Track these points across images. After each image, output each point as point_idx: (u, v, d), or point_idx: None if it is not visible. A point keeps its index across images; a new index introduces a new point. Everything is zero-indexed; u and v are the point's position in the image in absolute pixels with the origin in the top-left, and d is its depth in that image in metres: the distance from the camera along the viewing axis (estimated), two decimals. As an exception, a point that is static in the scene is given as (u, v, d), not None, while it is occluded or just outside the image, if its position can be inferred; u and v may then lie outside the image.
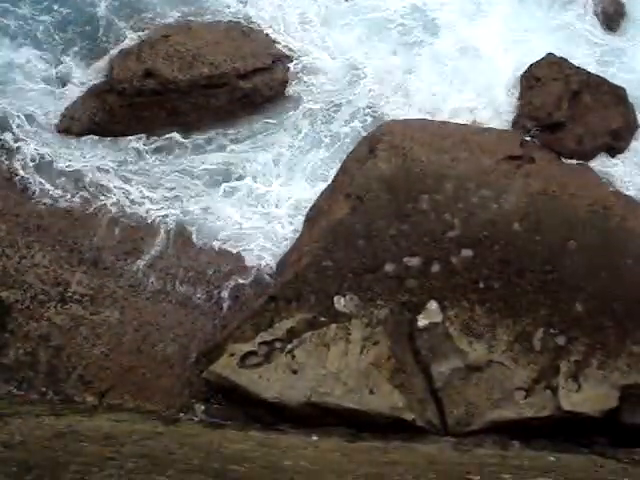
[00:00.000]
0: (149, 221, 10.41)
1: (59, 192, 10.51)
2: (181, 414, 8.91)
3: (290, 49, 11.36)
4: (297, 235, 9.99)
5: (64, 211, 10.38)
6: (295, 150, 10.87)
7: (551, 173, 9.54)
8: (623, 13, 11.77)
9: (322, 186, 10.28)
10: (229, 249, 10.19)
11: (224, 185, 10.64)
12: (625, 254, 8.94)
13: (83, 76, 11.29)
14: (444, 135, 9.70)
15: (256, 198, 10.54)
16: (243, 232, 10.28)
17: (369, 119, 10.86)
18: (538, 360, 8.49)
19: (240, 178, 10.70)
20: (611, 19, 11.69)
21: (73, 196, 10.50)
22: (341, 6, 11.69)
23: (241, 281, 10.00)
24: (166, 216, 10.45)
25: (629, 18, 11.74)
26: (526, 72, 10.83)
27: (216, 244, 10.22)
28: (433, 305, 8.66)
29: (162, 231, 10.34)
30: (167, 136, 10.91)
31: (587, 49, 11.35)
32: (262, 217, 10.39)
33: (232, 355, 8.63)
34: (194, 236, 10.27)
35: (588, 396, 8.30)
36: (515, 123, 10.56)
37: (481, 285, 8.73)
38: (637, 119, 10.79)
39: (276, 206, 10.46)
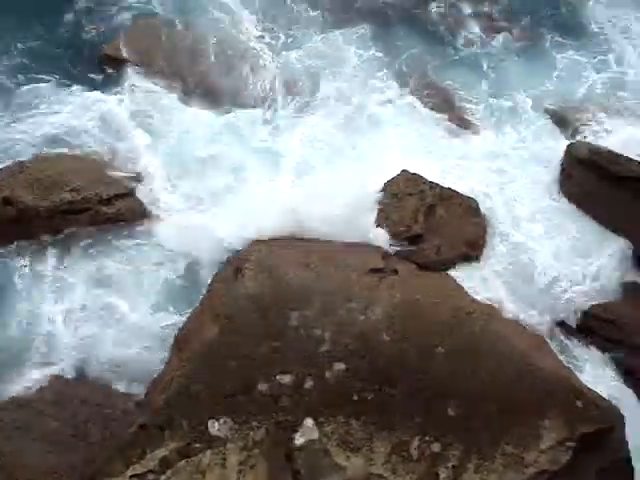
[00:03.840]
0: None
1: None
2: None
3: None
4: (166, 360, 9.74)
5: None
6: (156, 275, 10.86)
7: (413, 283, 9.88)
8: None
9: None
10: (96, 379, 9.82)
11: (90, 312, 10.38)
12: (491, 356, 9.22)
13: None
14: (309, 251, 9.92)
15: (124, 324, 10.31)
16: (110, 359, 9.97)
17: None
18: (417, 469, 8.49)
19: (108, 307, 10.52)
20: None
21: None
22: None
23: (110, 411, 9.58)
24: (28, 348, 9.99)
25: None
26: (383, 189, 11.38)
27: (82, 374, 9.84)
28: (309, 422, 8.56)
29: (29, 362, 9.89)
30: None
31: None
32: (131, 345, 10.12)
33: (102, 492, 8.14)
34: (57, 367, 9.84)
35: (468, 501, 8.34)
36: (376, 237, 10.94)
37: (355, 398, 8.74)
38: (489, 228, 11.46)
39: (144, 333, 10.24)
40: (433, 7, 15.01)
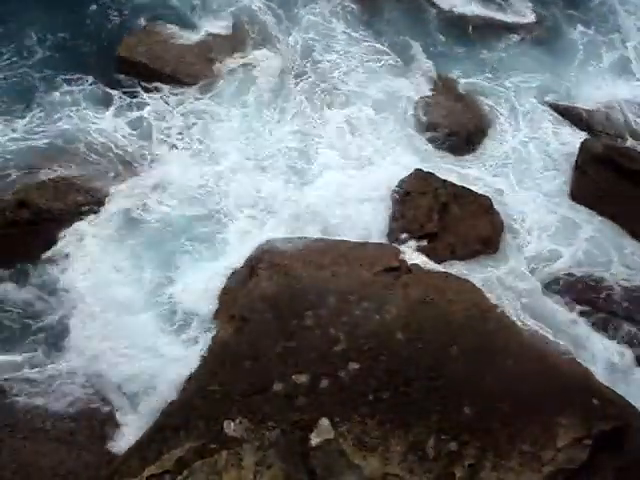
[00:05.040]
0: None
1: None
2: None
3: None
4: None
5: None
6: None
7: (428, 282, 9.84)
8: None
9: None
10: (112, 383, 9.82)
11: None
12: (506, 354, 9.18)
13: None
14: (323, 251, 9.95)
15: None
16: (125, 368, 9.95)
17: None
18: (433, 468, 8.43)
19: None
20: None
21: None
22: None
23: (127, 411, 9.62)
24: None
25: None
26: (396, 187, 11.38)
27: (98, 377, 9.83)
28: (324, 422, 8.55)
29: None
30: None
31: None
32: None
33: (119, 493, 8.16)
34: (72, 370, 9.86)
35: (485, 500, 8.31)
36: (390, 236, 10.96)
37: (370, 397, 8.72)
38: (504, 225, 11.43)
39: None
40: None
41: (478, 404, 8.78)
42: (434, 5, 14.96)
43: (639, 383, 10.29)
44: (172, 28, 13.69)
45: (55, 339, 10.08)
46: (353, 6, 14.59)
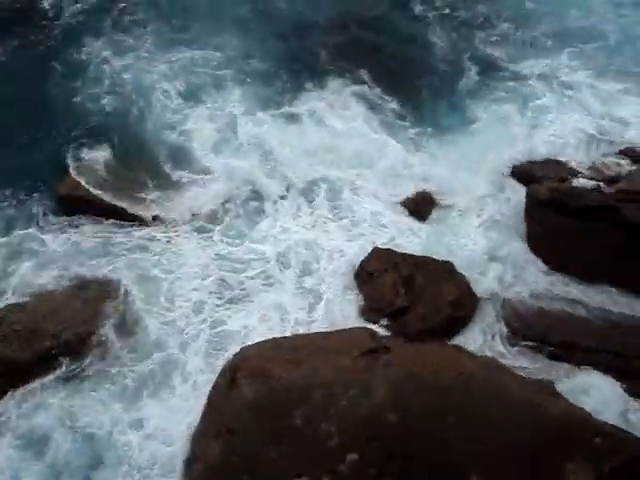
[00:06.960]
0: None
1: None
2: None
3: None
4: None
5: None
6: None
7: (408, 357, 9.75)
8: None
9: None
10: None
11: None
12: (501, 413, 9.03)
13: None
14: (297, 347, 9.85)
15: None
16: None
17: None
18: None
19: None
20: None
21: None
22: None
23: None
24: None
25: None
26: (358, 270, 11.47)
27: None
28: (333, 521, 8.30)
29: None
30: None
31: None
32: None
33: None
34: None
35: None
36: (362, 318, 10.95)
37: (374, 484, 8.50)
38: (469, 284, 11.53)
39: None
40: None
41: (484, 470, 8.60)
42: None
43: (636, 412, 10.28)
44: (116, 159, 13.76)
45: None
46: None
